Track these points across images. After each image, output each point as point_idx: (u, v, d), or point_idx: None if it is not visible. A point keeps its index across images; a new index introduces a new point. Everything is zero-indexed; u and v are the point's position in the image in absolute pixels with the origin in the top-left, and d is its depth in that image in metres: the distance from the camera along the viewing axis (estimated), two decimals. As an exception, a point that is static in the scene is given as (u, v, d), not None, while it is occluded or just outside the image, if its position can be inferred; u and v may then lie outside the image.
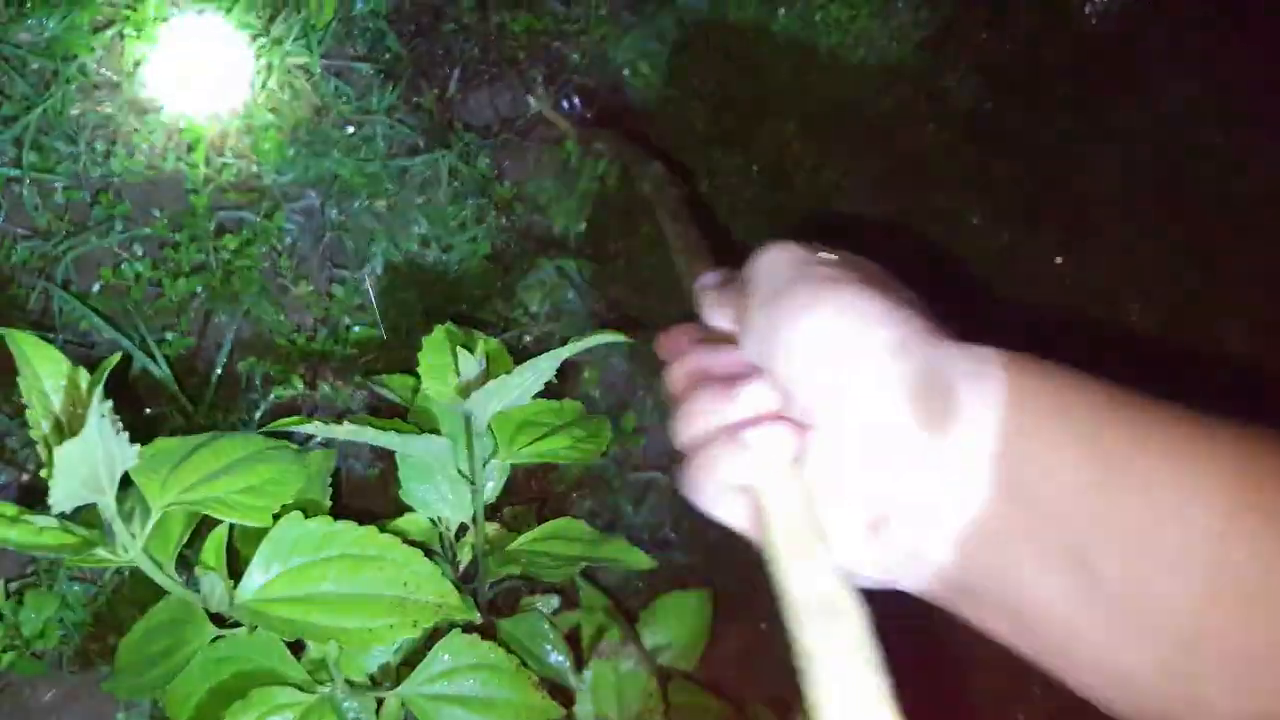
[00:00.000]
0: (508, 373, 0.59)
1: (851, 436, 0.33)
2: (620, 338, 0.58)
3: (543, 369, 0.55)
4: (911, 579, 0.33)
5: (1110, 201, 1.44)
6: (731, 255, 0.52)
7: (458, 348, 0.56)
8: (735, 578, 1.17)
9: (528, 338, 1.19)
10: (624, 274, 1.24)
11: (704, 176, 1.40)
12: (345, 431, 0.53)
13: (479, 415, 0.56)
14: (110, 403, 0.42)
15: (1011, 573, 0.29)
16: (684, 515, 1.16)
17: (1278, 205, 1.40)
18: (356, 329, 1.10)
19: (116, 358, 0.44)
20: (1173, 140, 1.48)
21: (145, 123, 1.06)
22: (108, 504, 0.42)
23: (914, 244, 1.40)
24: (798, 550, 0.33)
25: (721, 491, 0.37)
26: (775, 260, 0.37)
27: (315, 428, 0.53)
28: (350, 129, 1.20)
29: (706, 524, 1.18)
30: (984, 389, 0.30)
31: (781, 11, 1.50)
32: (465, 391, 0.56)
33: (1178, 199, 1.45)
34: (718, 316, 0.40)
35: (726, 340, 0.39)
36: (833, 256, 0.37)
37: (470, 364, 0.55)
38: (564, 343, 1.23)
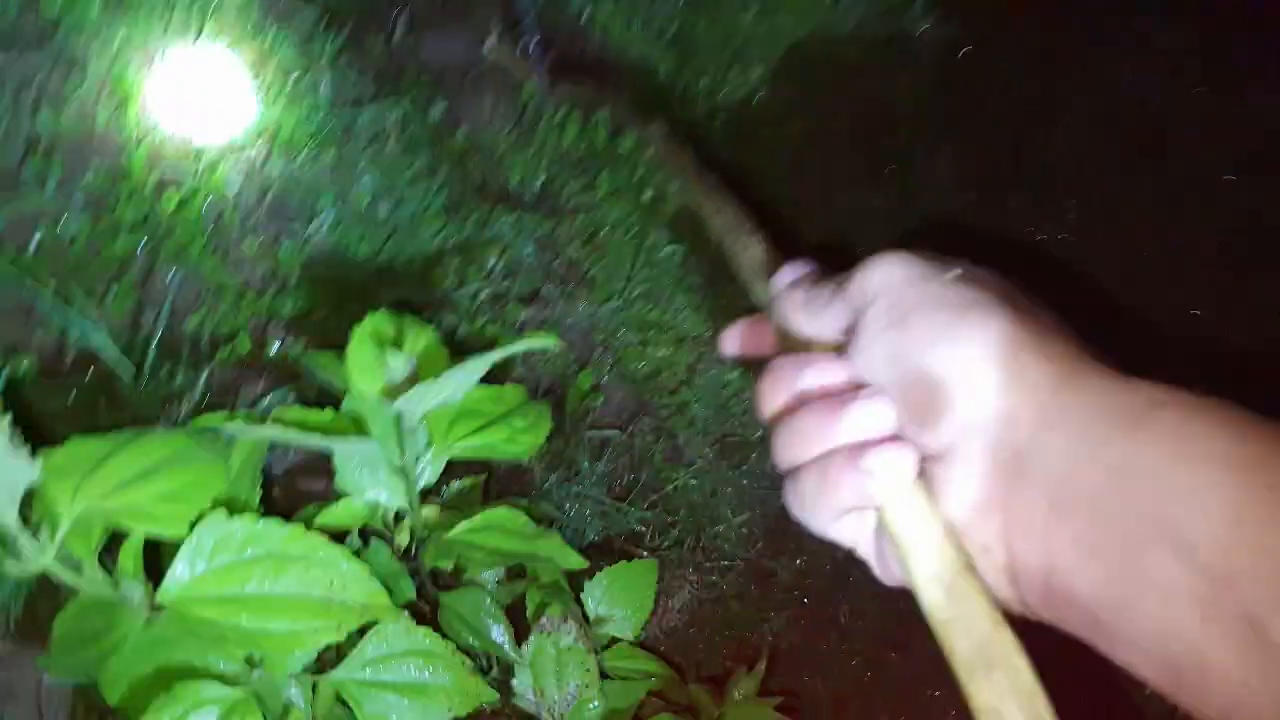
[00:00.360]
0: (443, 368, 0.58)
1: (989, 469, 0.31)
2: (551, 342, 0.57)
3: (472, 371, 0.54)
4: (1049, 612, 0.31)
5: (1082, 158, 1.42)
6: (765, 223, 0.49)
7: (387, 348, 0.55)
8: (689, 530, 1.19)
9: (483, 295, 1.17)
10: (581, 230, 1.21)
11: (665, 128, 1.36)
12: (271, 433, 0.52)
13: (409, 414, 0.55)
14: (8, 419, 0.41)
15: (1170, 622, 0.28)
16: (639, 470, 1.17)
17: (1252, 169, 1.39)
18: (305, 286, 1.08)
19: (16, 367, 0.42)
20: (1150, 94, 1.46)
21: (74, 75, 1.02)
22: (9, 522, 0.41)
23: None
24: (943, 583, 0.32)
25: (838, 515, 0.35)
26: (896, 274, 0.34)
27: (237, 428, 0.52)
28: (294, 76, 1.16)
29: (660, 481, 1.18)
30: (1149, 430, 0.29)
31: (749, -48, 1.44)
32: (394, 392, 0.55)
33: (1151, 157, 1.43)
34: (809, 323, 0.37)
35: (816, 347, 0.37)
36: (960, 272, 0.34)
37: (399, 365, 0.54)
38: (520, 301, 1.22)
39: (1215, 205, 1.43)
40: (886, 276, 0.34)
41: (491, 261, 1.19)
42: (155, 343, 0.97)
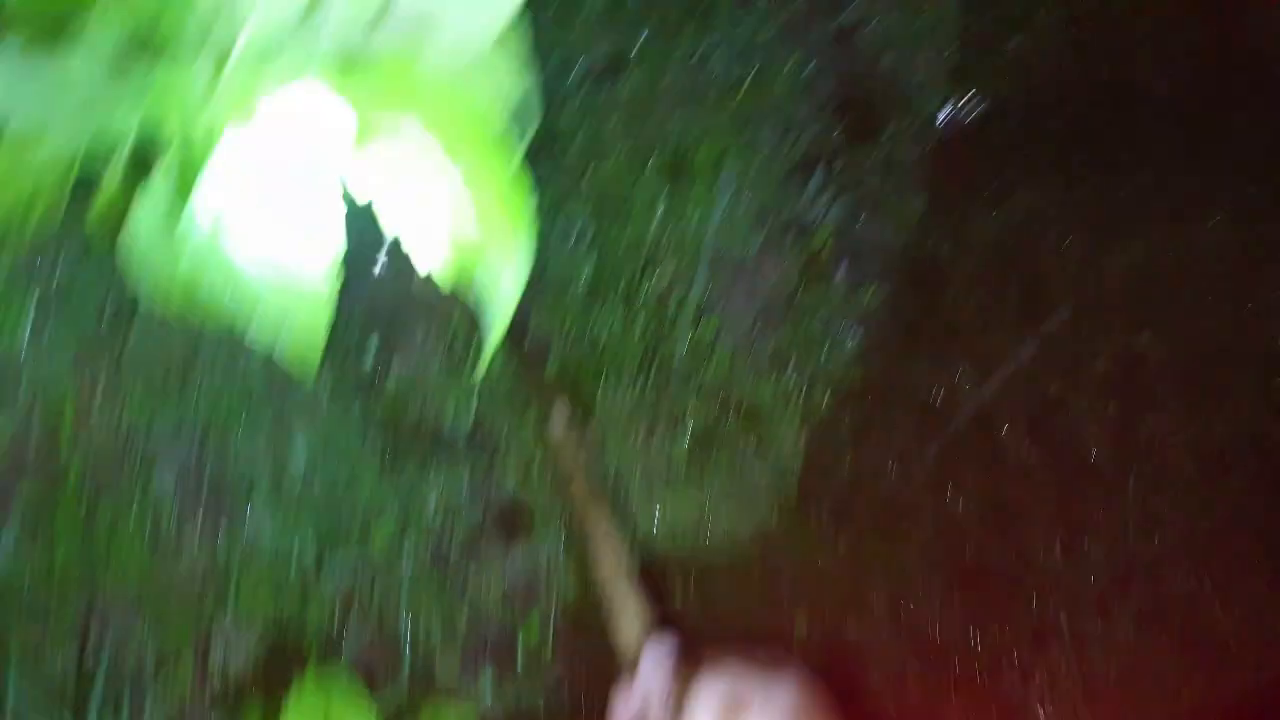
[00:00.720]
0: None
1: None
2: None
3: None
4: None
5: (974, 317, 1.48)
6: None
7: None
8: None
9: (424, 551, 1.18)
10: (514, 466, 1.23)
11: (588, 336, 1.40)
12: None
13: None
14: None
15: None
16: (592, 708, 1.17)
17: (1127, 297, 1.46)
18: (247, 579, 1.08)
19: None
20: (1029, 247, 1.52)
21: (7, 394, 1.03)
22: None
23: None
24: None
25: None
26: (717, 694, 0.43)
27: None
28: (226, 347, 1.18)
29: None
30: None
31: (651, 160, 1.50)
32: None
33: (1035, 303, 1.50)
34: (660, 708, 0.46)
35: None
36: (772, 689, 0.41)
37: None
38: (461, 550, 1.22)
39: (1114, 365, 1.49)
40: (711, 696, 0.43)
41: (430, 509, 1.21)
42: (97, 686, 0.96)
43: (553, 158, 1.50)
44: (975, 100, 1.62)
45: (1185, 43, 1.58)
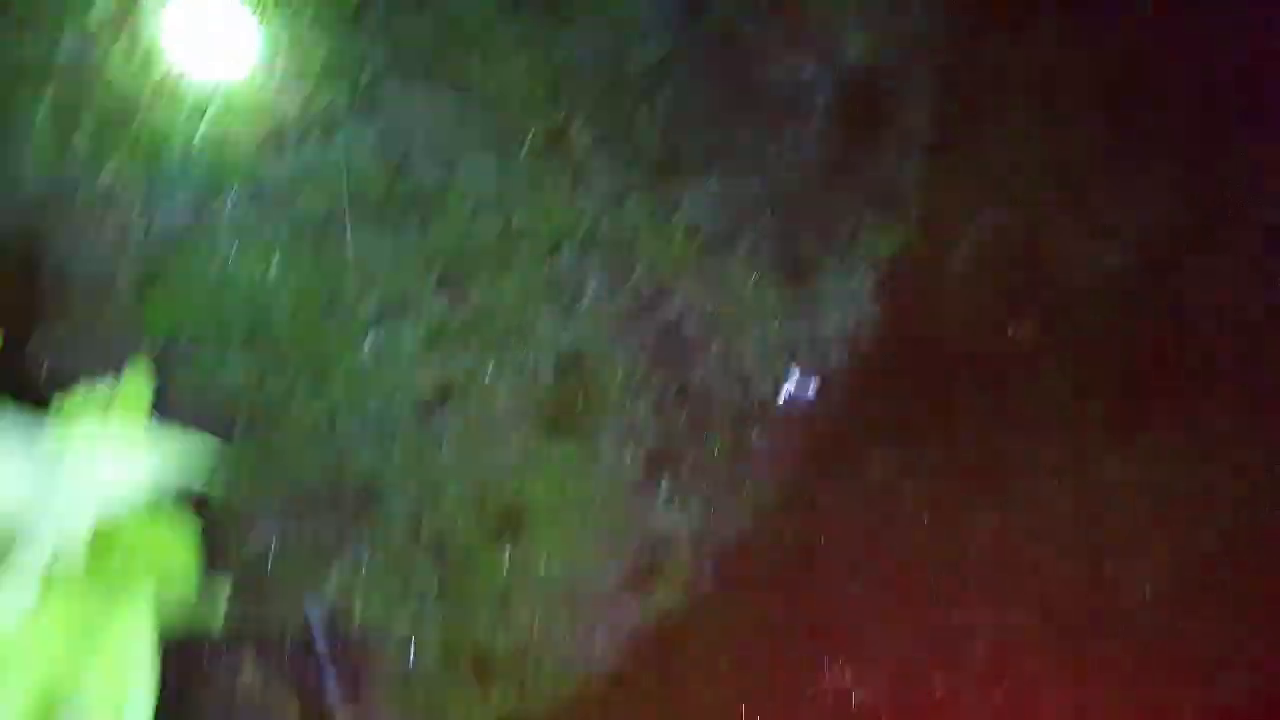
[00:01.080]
0: None
1: None
2: None
3: None
4: None
5: (845, 612, 1.41)
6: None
7: None
8: None
9: None
10: None
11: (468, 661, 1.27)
12: None
13: None
14: None
15: None
16: None
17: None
18: None
19: None
20: (888, 524, 1.50)
21: None
22: None
23: None
24: None
25: None
26: None
27: None
28: None
29: None
30: None
31: (489, 498, 1.41)
32: None
33: (905, 585, 1.46)
34: None
35: None
36: None
37: None
38: None
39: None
40: None
41: None
42: None
43: (384, 506, 1.40)
44: (809, 374, 1.62)
45: (995, 294, 1.61)
